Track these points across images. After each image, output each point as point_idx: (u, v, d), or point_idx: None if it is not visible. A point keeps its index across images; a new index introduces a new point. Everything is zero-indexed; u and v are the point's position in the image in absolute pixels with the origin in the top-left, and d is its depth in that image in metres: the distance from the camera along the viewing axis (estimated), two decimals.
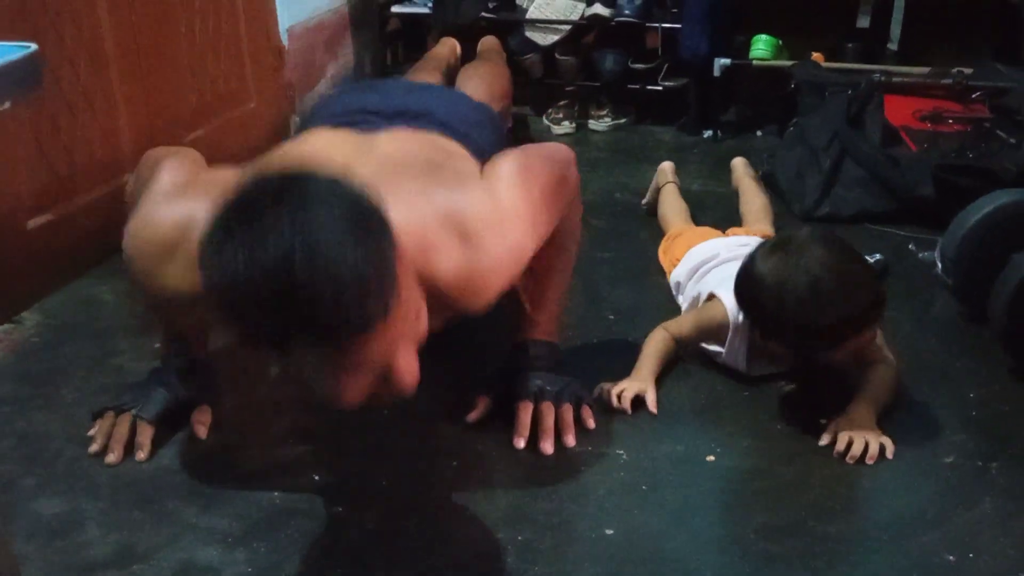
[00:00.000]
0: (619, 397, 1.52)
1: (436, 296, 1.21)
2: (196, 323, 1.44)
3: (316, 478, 1.40)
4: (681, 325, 1.67)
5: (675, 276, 1.86)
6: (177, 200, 1.28)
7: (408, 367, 1.09)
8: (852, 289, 1.43)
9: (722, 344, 1.62)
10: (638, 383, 1.55)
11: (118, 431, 1.45)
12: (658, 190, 2.26)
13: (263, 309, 0.95)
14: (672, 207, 2.17)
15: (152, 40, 2.23)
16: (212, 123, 2.47)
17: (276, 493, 1.37)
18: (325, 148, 1.38)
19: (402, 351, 1.08)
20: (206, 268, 0.98)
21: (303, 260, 0.93)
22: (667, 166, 2.30)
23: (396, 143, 1.41)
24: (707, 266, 1.76)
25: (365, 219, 1.00)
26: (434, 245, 1.21)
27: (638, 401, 1.54)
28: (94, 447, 1.45)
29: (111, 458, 1.43)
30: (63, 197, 2.00)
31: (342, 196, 1.00)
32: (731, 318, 1.59)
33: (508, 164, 1.33)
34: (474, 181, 1.31)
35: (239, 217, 0.97)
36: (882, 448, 1.42)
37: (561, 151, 1.47)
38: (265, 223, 0.95)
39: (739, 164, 2.32)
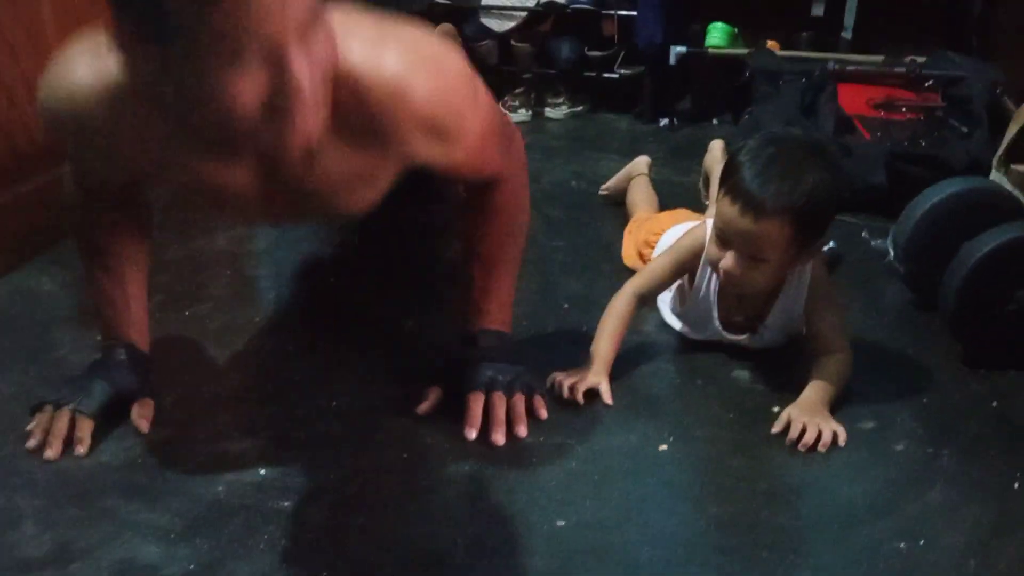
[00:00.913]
0: (571, 389, 1.51)
1: (361, 104, 1.13)
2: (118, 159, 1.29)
3: (261, 472, 1.37)
4: (654, 268, 1.65)
5: (664, 242, 1.83)
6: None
7: (303, 75, 0.97)
8: (816, 169, 1.45)
9: (695, 282, 1.61)
10: (592, 376, 1.53)
11: (57, 426, 1.41)
12: (629, 179, 2.24)
13: None
14: (643, 194, 2.16)
15: (94, 23, 2.16)
16: None
17: (219, 488, 1.34)
18: None
19: (297, 52, 0.97)
20: None
21: None
22: (643, 160, 2.29)
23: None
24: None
25: None
26: (373, 43, 1.13)
27: (591, 392, 1.52)
28: (31, 442, 1.40)
29: (49, 453, 1.38)
30: (2, 185, 1.94)
31: None
32: (707, 238, 1.57)
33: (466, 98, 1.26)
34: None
35: None
36: (834, 436, 1.41)
37: (510, 121, 1.46)
38: None
39: (717, 146, 2.30)
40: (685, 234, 1.66)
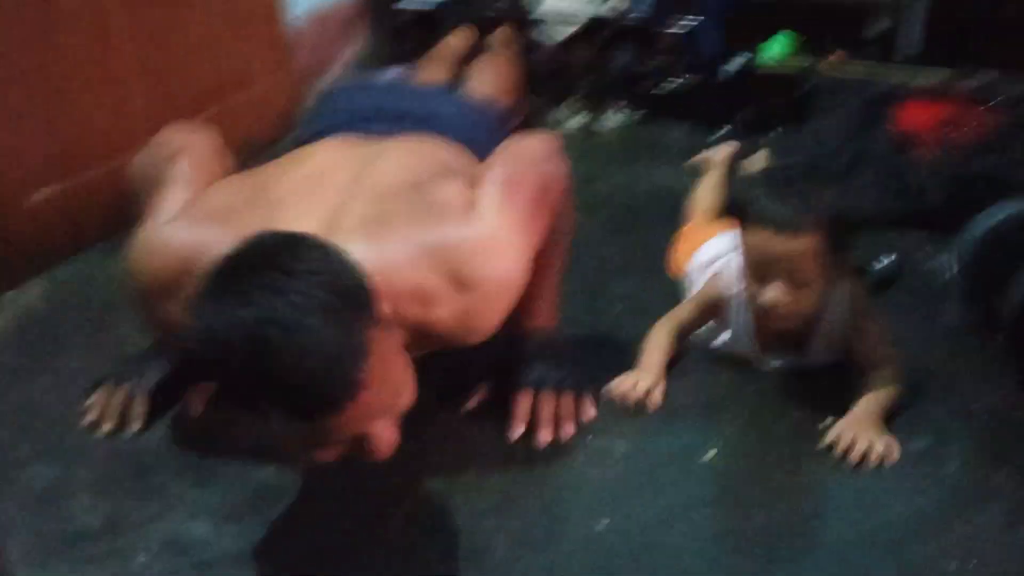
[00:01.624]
0: (633, 390, 1.50)
1: (436, 338, 1.26)
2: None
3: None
4: (680, 311, 1.65)
5: (688, 269, 1.84)
6: (182, 228, 1.27)
7: (383, 437, 1.10)
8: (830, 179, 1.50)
9: (726, 325, 1.60)
10: (647, 375, 1.53)
11: (114, 402, 1.44)
12: (708, 165, 2.26)
13: (235, 373, 0.99)
14: (705, 197, 2.15)
15: (163, 15, 2.21)
16: (222, 103, 2.45)
17: (270, 472, 1.35)
18: (327, 170, 1.39)
19: (377, 423, 1.09)
20: (195, 321, 1.02)
21: (277, 332, 0.97)
22: (726, 148, 2.28)
23: (393, 163, 1.42)
24: (718, 263, 1.73)
25: (345, 296, 1.03)
26: (430, 295, 1.23)
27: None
28: (89, 417, 1.44)
29: (105, 428, 1.42)
30: (71, 170, 1.99)
31: (329, 270, 1.04)
32: (728, 287, 1.58)
33: (492, 185, 1.33)
34: (461, 216, 1.30)
35: (229, 276, 1.02)
36: (886, 450, 1.39)
37: (541, 144, 1.47)
38: (251, 288, 0.99)
39: (759, 160, 2.30)
40: (707, 283, 1.65)
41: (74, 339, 1.69)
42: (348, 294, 1.04)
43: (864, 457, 1.38)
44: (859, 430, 1.41)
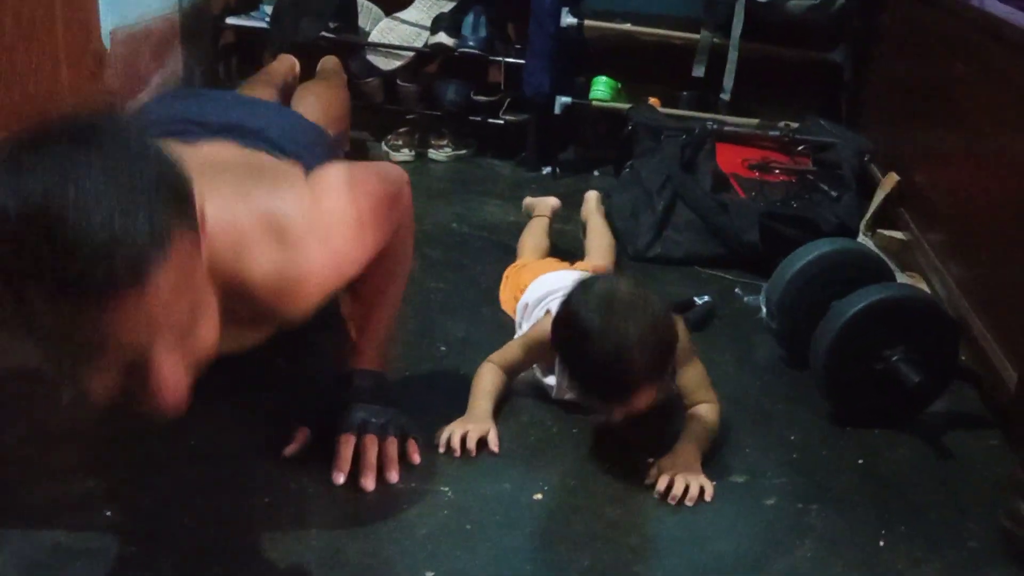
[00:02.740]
0: (462, 440, 1.46)
1: (248, 300, 1.15)
2: None
3: (108, 514, 1.27)
4: (508, 351, 1.63)
5: (524, 300, 1.82)
6: None
7: (168, 372, 0.96)
8: (658, 358, 1.43)
9: (551, 369, 1.60)
10: (480, 424, 1.49)
11: None
12: (532, 213, 2.26)
13: (6, 237, 0.86)
14: (534, 239, 2.16)
15: None
16: (21, 125, 2.27)
17: (61, 531, 1.23)
18: None
19: (163, 350, 0.95)
20: None
21: (69, 193, 0.85)
22: (550, 202, 2.29)
23: (218, 152, 1.32)
24: (552, 296, 1.72)
25: (159, 182, 0.90)
26: (247, 244, 1.14)
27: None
28: None
29: None
30: None
31: (147, 153, 0.92)
32: None
33: (336, 172, 1.28)
34: (298, 184, 1.23)
35: (27, 145, 0.88)
36: (702, 490, 1.41)
37: (394, 171, 1.43)
38: (47, 156, 0.86)
39: (592, 198, 2.33)
40: (534, 327, 1.65)
41: None
42: (162, 181, 0.92)
43: (683, 497, 1.39)
44: (677, 471, 1.42)
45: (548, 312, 1.62)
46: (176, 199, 0.93)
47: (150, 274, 0.88)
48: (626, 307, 1.41)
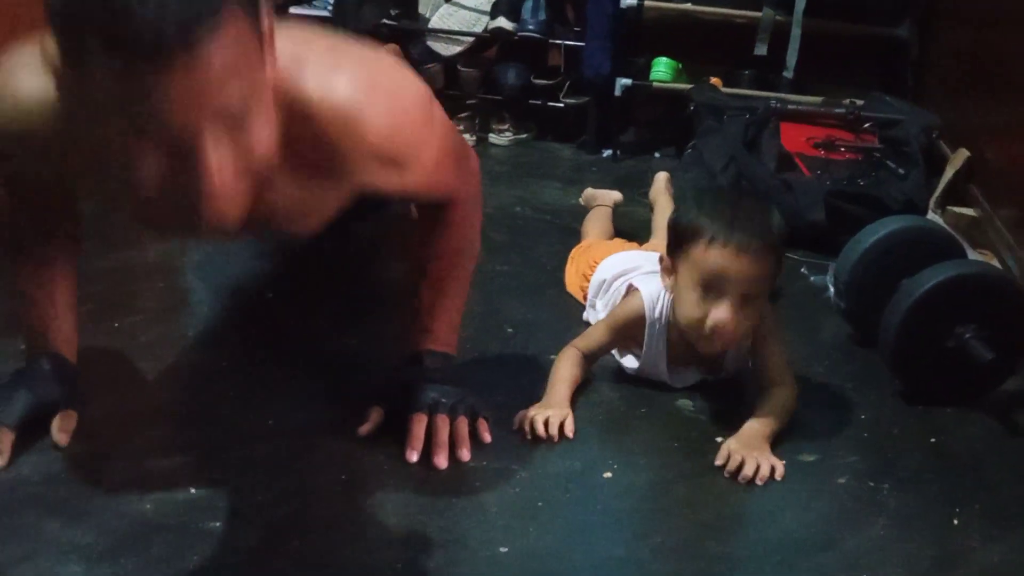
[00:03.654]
0: (545, 424, 1.47)
1: (309, 128, 1.11)
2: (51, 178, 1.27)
3: (192, 491, 1.31)
4: (592, 334, 1.63)
5: (598, 277, 1.81)
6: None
7: (217, 163, 0.94)
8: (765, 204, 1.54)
9: (639, 347, 1.60)
10: (558, 409, 1.50)
11: None
12: (594, 203, 2.27)
13: (73, 8, 0.88)
14: (599, 225, 2.16)
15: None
16: None
17: (147, 506, 1.28)
18: None
19: (212, 137, 0.93)
20: None
21: None
22: (613, 195, 2.30)
23: None
24: (631, 274, 1.72)
25: None
26: (310, 62, 1.11)
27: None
28: None
29: None
30: None
31: None
32: (647, 310, 1.57)
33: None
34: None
35: None
36: (773, 470, 1.41)
37: (466, 143, 1.45)
38: None
39: (662, 178, 2.33)
40: (620, 305, 1.64)
41: None
42: None
43: (752, 477, 1.39)
44: (746, 451, 1.42)
45: (631, 287, 1.63)
46: None
47: (200, 42, 0.89)
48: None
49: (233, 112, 0.95)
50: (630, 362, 1.64)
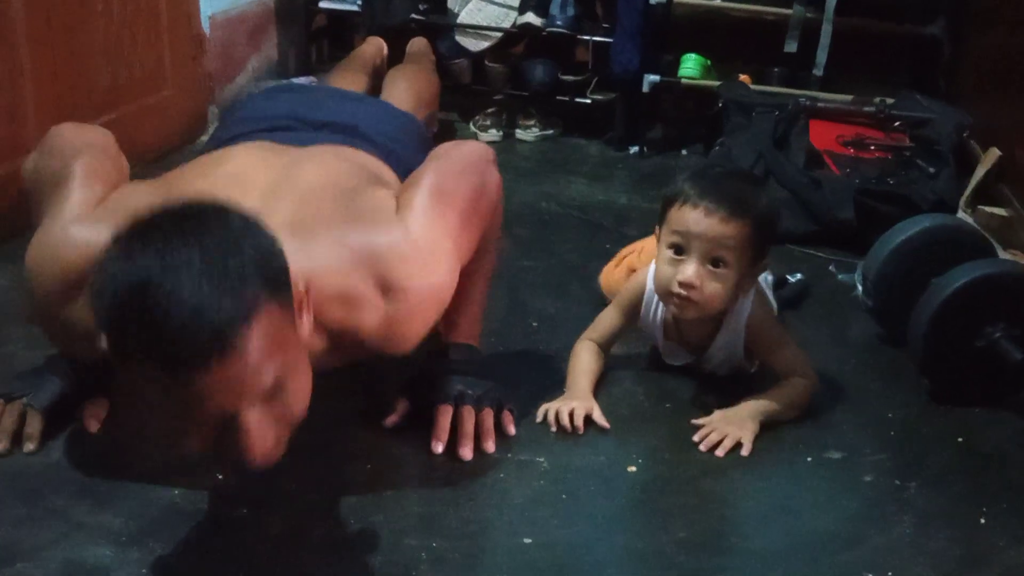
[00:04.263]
0: (570, 416, 1.47)
1: (357, 344, 1.25)
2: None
3: (219, 477, 1.33)
4: (601, 321, 1.64)
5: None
6: (86, 227, 1.23)
7: (256, 431, 1.04)
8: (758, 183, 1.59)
9: (639, 322, 1.63)
10: (583, 401, 1.50)
11: (6, 420, 1.35)
12: None
13: (116, 316, 0.98)
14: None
15: (66, 16, 2.12)
16: (125, 107, 2.36)
17: (175, 491, 1.29)
18: (248, 170, 1.37)
19: (251, 410, 1.04)
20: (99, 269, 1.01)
21: (157, 275, 0.96)
22: None
23: (318, 166, 1.39)
24: None
25: (250, 263, 1.01)
26: (355, 299, 1.23)
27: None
28: None
29: None
30: None
31: (243, 234, 1.03)
32: (648, 280, 1.57)
33: (422, 193, 1.32)
34: (391, 220, 1.29)
35: (137, 233, 1.01)
36: (739, 445, 1.44)
37: (476, 152, 1.46)
38: (152, 243, 0.99)
39: None
40: (627, 285, 1.65)
41: None
42: (259, 261, 1.02)
43: (714, 447, 1.43)
44: (723, 424, 1.45)
45: (633, 271, 1.65)
46: (267, 275, 1.03)
47: (234, 342, 0.98)
48: None
49: (273, 387, 1.05)
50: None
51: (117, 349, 1.01)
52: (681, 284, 1.45)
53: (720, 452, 1.42)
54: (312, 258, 1.18)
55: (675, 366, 1.66)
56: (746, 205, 1.46)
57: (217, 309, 0.97)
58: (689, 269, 1.45)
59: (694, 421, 1.48)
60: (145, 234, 1.01)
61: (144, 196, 1.27)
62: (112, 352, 1.01)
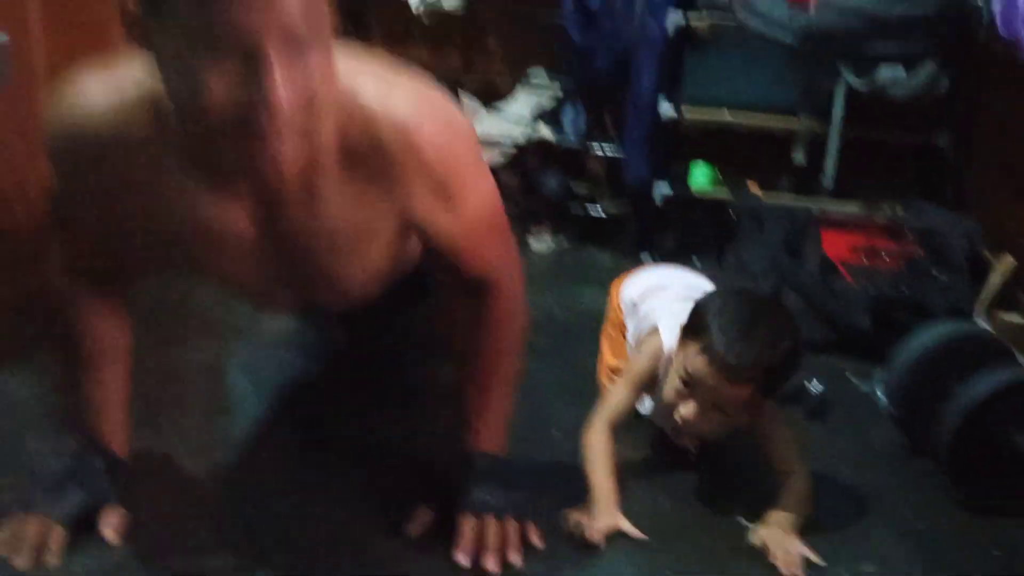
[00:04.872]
0: (593, 531, 1.44)
1: (362, 128, 1.15)
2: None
3: None
4: (615, 396, 1.62)
5: (628, 295, 1.87)
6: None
7: (281, 76, 0.99)
8: (786, 332, 1.51)
9: (653, 393, 1.63)
10: (608, 516, 1.47)
11: (27, 533, 1.32)
12: None
13: None
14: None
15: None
16: None
17: None
18: None
19: (276, 50, 0.99)
20: None
21: None
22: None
23: None
24: (661, 293, 1.75)
25: None
26: (369, 72, 1.17)
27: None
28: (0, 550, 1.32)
29: (19, 563, 1.30)
30: None
31: None
32: (666, 349, 1.58)
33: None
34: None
35: None
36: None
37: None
38: None
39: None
40: (639, 352, 1.65)
41: None
42: None
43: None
44: (787, 545, 1.43)
45: (655, 330, 1.64)
46: None
47: None
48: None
49: (297, 35, 1.00)
50: (644, 408, 1.67)
51: None
52: (682, 419, 1.51)
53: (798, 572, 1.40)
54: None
55: (672, 462, 1.66)
56: (763, 361, 1.47)
57: None
58: (688, 410, 1.51)
59: (751, 541, 1.45)
60: None
61: None
62: None
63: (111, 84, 1.17)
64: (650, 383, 1.63)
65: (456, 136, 1.23)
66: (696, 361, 1.49)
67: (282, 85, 1.00)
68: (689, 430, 1.56)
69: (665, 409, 1.58)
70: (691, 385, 1.50)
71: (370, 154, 1.17)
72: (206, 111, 1.02)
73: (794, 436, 1.58)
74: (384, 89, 1.17)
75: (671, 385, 1.53)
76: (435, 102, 1.23)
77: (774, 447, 1.56)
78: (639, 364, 1.63)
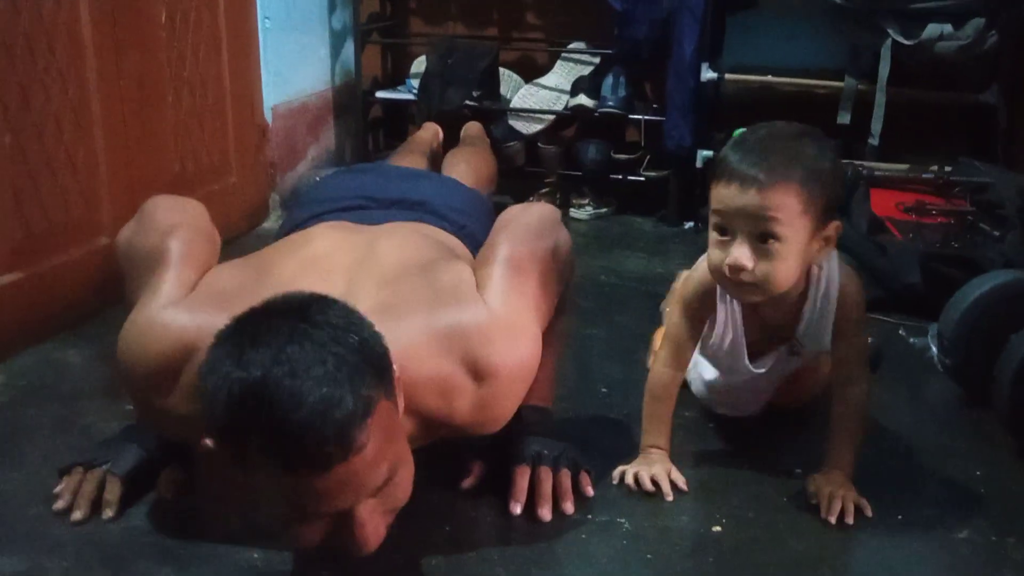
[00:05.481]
0: (652, 480, 1.44)
1: (452, 428, 1.26)
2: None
3: None
4: (668, 332, 1.51)
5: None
6: (179, 313, 1.24)
7: (369, 525, 1.07)
8: (808, 138, 1.35)
9: (712, 321, 1.49)
10: (660, 465, 1.46)
11: (86, 487, 1.35)
12: None
13: (233, 413, 0.99)
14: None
15: (138, 106, 2.20)
16: (193, 193, 2.39)
17: (255, 555, 1.28)
18: (331, 251, 1.39)
19: (366, 506, 1.06)
20: (206, 361, 1.03)
21: (281, 373, 0.97)
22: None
23: (395, 244, 1.41)
24: None
25: (362, 355, 1.03)
26: (448, 385, 1.23)
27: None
28: (59, 504, 1.35)
29: (77, 515, 1.33)
30: (36, 256, 1.93)
31: (351, 328, 1.05)
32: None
33: (500, 267, 1.32)
34: (474, 299, 1.29)
35: (251, 322, 1.04)
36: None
37: (545, 215, 1.47)
38: (269, 333, 1.01)
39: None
40: (685, 282, 1.49)
41: (38, 429, 1.60)
42: (365, 354, 1.04)
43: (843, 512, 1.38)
44: (836, 489, 1.40)
45: (688, 273, 1.51)
46: (377, 370, 1.04)
47: (356, 446, 0.99)
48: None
49: (383, 480, 1.07)
50: (708, 373, 1.60)
51: (234, 449, 1.01)
52: (730, 268, 1.32)
53: (849, 519, 1.36)
54: (401, 342, 1.16)
55: (745, 419, 1.63)
56: (788, 165, 1.28)
57: (339, 407, 0.98)
58: (735, 252, 1.31)
59: (812, 500, 1.41)
60: (253, 332, 1.02)
61: (234, 280, 1.30)
62: (226, 453, 1.02)
63: (186, 355, 1.20)
64: (705, 311, 1.48)
65: (534, 368, 1.31)
66: (718, 190, 1.31)
67: (372, 533, 1.08)
68: (747, 287, 1.34)
69: (719, 283, 1.41)
70: (725, 225, 1.31)
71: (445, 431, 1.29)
72: (293, 546, 1.12)
73: (863, 348, 1.48)
74: (474, 403, 1.25)
75: (710, 247, 1.35)
76: (515, 373, 1.28)
77: (846, 349, 1.43)
78: (685, 285, 1.49)
